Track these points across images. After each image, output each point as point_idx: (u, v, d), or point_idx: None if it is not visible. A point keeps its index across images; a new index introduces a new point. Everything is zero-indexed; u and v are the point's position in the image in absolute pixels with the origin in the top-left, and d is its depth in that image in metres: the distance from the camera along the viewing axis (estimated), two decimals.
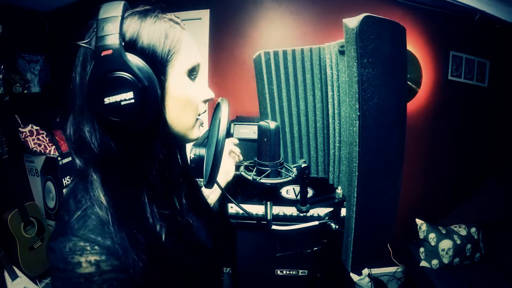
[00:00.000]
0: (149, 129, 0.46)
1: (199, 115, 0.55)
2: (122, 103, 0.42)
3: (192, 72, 0.52)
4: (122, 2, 0.44)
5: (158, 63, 0.46)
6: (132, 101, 0.42)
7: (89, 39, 0.44)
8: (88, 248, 0.43)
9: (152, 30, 0.46)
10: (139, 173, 0.48)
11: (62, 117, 2.15)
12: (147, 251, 0.47)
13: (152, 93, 0.44)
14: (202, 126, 0.59)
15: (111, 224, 0.45)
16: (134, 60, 0.42)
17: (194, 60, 0.51)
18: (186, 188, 0.61)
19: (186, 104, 0.50)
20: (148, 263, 0.47)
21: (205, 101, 0.55)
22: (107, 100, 0.42)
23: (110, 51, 0.41)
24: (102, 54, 0.41)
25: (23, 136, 1.97)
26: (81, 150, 0.47)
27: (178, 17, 0.53)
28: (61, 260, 0.43)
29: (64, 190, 1.84)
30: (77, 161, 0.47)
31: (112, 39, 0.41)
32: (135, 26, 0.45)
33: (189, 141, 0.56)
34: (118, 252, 0.45)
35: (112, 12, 0.42)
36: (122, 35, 0.42)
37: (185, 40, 0.50)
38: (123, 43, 0.42)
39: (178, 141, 0.54)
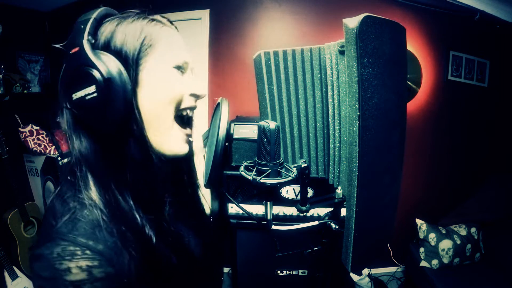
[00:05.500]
0: (120, 127, 0.45)
1: (184, 110, 0.52)
2: (87, 97, 0.42)
3: (179, 69, 0.51)
4: (101, 8, 0.46)
5: (130, 58, 0.45)
6: (95, 94, 0.41)
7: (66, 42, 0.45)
8: (79, 252, 0.40)
9: (126, 29, 0.46)
10: (117, 174, 0.47)
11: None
12: (138, 250, 0.46)
13: (116, 85, 0.42)
14: (192, 140, 0.56)
15: (103, 226, 0.43)
16: (101, 56, 0.42)
17: (180, 57, 0.50)
18: (174, 197, 0.59)
19: (165, 95, 0.49)
20: (140, 265, 0.46)
21: (192, 95, 0.53)
22: (75, 96, 0.42)
23: (77, 48, 0.41)
24: (70, 52, 0.42)
25: (23, 136, 1.97)
26: (70, 147, 0.47)
27: (165, 17, 0.52)
28: (47, 268, 0.39)
29: None
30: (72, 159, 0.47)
31: (81, 37, 0.42)
32: (111, 28, 0.45)
33: (172, 155, 0.53)
34: (112, 257, 0.42)
35: (87, 16, 0.44)
36: (96, 37, 0.44)
37: (165, 35, 0.49)
38: (93, 42, 0.43)
39: (156, 149, 0.51)
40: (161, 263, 0.50)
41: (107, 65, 0.42)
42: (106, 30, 0.45)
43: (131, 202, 0.47)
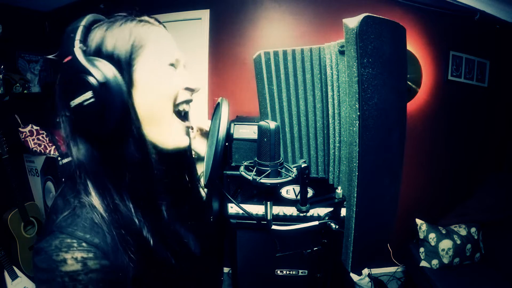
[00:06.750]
0: (118, 129, 0.46)
1: (180, 105, 0.54)
2: (85, 103, 0.43)
3: (171, 66, 0.52)
4: (89, 15, 0.47)
5: (123, 61, 0.47)
6: (92, 100, 0.42)
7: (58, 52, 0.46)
8: (75, 244, 0.41)
9: (116, 33, 0.47)
10: (118, 176, 0.48)
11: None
12: (137, 253, 0.47)
13: (112, 88, 0.43)
14: (192, 130, 0.58)
15: (103, 228, 0.44)
16: (94, 62, 0.43)
17: (172, 54, 0.52)
18: (174, 195, 0.60)
19: (162, 92, 0.50)
20: (138, 266, 0.46)
21: (187, 89, 0.54)
22: (73, 103, 0.43)
23: (69, 57, 0.43)
24: (64, 61, 0.43)
25: (23, 136, 1.97)
26: (69, 155, 0.48)
27: (152, 17, 0.53)
28: (45, 260, 0.41)
29: None
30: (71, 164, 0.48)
31: (72, 46, 0.43)
32: (100, 34, 0.47)
33: (174, 149, 0.54)
34: (108, 251, 0.43)
35: (76, 24, 0.45)
36: (86, 44, 0.45)
37: (153, 35, 0.50)
38: (84, 49, 0.44)
39: (158, 145, 0.52)
40: (159, 265, 0.51)
41: (101, 69, 0.43)
42: (96, 36, 0.46)
43: (130, 205, 0.48)
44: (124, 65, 0.47)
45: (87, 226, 0.44)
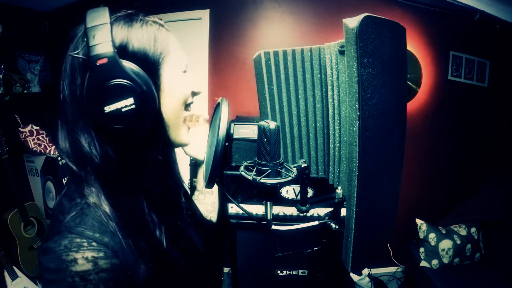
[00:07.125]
0: (151, 134, 0.46)
1: (186, 108, 0.56)
2: (123, 109, 0.42)
3: (184, 72, 0.54)
4: (106, 8, 0.44)
5: (151, 65, 0.46)
6: (133, 106, 0.42)
7: (78, 49, 0.43)
8: (85, 244, 0.41)
9: (141, 35, 0.46)
10: (137, 180, 0.48)
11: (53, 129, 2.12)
12: (150, 258, 0.47)
13: (150, 96, 0.44)
14: (189, 128, 0.60)
15: (116, 231, 0.44)
16: (129, 66, 0.42)
17: (184, 61, 0.53)
18: (184, 194, 0.62)
19: (179, 97, 0.52)
20: (151, 270, 0.47)
21: (192, 93, 0.56)
22: (108, 109, 0.41)
23: (105, 60, 0.40)
24: (97, 63, 0.40)
25: (23, 136, 1.97)
26: (81, 161, 0.45)
27: (161, 19, 0.53)
28: (54, 260, 0.40)
29: None
30: (75, 169, 0.46)
31: (106, 47, 0.40)
32: (123, 32, 0.44)
33: (179, 144, 0.57)
34: (117, 249, 0.43)
35: (100, 20, 0.42)
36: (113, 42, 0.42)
37: (172, 42, 0.51)
38: (116, 51, 0.41)
39: (173, 143, 0.55)
40: (171, 267, 0.51)
41: (140, 77, 0.43)
42: (117, 34, 0.44)
43: (145, 207, 0.49)
44: (153, 70, 0.46)
45: (96, 225, 0.43)
